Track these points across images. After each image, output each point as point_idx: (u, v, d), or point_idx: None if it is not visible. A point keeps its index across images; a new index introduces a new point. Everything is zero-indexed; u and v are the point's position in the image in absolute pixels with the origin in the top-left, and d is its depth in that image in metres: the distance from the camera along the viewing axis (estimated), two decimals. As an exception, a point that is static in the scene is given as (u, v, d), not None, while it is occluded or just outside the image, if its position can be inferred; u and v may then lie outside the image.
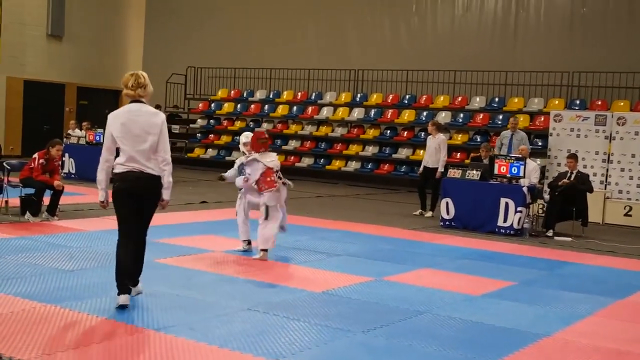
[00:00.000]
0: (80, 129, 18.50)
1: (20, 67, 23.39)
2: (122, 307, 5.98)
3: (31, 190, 10.50)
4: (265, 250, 8.51)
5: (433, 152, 13.85)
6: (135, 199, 6.09)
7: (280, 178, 8.61)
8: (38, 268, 7.44)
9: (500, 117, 18.87)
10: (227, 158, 22.26)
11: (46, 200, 10.59)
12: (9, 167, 10.73)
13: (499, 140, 14.87)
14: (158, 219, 11.62)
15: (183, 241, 9.46)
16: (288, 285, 7.30)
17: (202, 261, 8.32)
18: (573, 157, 12.60)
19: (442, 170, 13.56)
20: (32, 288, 6.55)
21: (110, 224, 10.52)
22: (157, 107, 24.07)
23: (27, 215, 10.40)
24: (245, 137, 8.95)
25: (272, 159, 8.59)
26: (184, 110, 25.11)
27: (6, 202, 10.64)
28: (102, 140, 18.28)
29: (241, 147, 8.98)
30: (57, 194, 10.56)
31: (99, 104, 25.86)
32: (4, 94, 22.93)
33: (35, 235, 9.36)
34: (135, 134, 5.97)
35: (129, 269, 6.16)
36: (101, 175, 6.10)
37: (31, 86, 23.68)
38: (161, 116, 6.15)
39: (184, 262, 8.19)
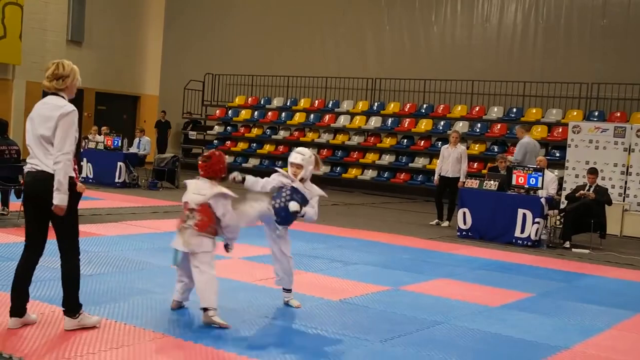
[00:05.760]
0: (100, 134, 18.59)
1: (40, 72, 23.15)
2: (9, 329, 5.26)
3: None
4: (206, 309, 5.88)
5: (454, 162, 13.77)
6: (36, 204, 5.30)
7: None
8: (57, 272, 7.42)
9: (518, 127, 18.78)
10: (244, 165, 22.31)
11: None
12: (28, 171, 10.73)
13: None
14: (172, 225, 11.70)
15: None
16: (305, 294, 7.27)
17: (219, 268, 8.31)
18: (594, 172, 12.53)
19: (464, 180, 13.44)
20: (51, 292, 6.58)
21: (128, 229, 10.58)
22: (163, 112, 24.43)
23: (46, 219, 10.39)
24: (300, 153, 6.78)
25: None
26: (201, 117, 25.20)
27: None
28: (119, 146, 18.23)
29: (292, 166, 6.78)
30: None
31: (117, 109, 26.07)
32: (24, 98, 23.09)
33: (53, 239, 9.36)
34: (35, 129, 5.22)
35: (19, 286, 5.45)
36: None
37: (50, 91, 23.84)
38: (64, 110, 5.15)
39: (201, 268, 8.17)
